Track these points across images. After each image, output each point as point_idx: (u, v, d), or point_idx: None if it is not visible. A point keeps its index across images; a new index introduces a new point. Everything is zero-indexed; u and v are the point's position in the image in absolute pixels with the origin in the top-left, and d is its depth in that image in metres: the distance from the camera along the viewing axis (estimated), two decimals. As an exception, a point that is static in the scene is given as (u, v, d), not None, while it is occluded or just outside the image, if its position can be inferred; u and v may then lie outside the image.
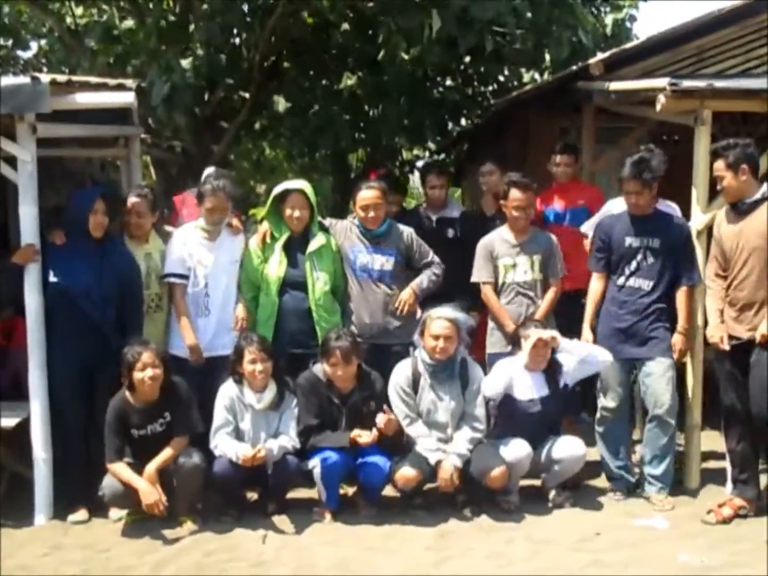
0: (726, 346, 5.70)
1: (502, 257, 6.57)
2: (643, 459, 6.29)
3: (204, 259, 6.41)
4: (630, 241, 6.15)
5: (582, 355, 6.08)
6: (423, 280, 6.55)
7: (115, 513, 5.89)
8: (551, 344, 6.08)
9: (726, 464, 6.14)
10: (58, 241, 5.95)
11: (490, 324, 6.69)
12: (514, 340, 6.28)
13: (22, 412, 5.96)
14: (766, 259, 5.57)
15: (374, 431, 5.88)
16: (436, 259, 6.63)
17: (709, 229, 6.12)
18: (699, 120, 6.04)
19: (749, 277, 5.64)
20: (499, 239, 6.62)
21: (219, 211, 6.39)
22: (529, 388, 6.11)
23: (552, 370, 6.15)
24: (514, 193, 6.49)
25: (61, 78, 6.18)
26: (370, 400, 6.03)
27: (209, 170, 6.85)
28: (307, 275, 6.36)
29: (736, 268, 5.71)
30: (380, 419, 5.87)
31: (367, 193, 6.48)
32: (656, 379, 6.08)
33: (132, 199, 6.38)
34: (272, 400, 5.99)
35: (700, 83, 6.00)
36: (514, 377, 6.08)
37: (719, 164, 5.70)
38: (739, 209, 5.69)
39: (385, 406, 5.97)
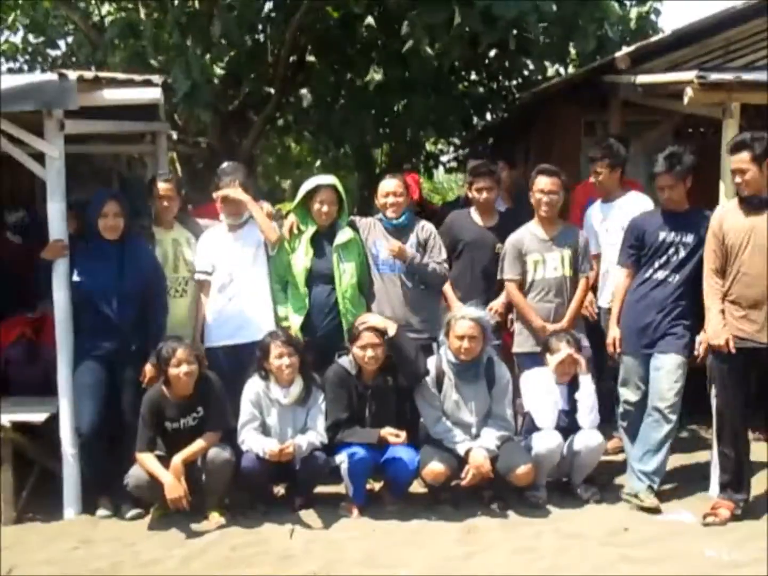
0: (733, 349, 5.59)
1: (531, 252, 6.52)
2: (632, 455, 6.18)
3: (228, 250, 6.47)
4: (664, 235, 6.08)
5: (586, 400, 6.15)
6: (424, 258, 6.52)
7: (130, 511, 5.91)
8: (578, 365, 6.12)
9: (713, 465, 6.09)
10: (70, 229, 6.00)
11: (517, 324, 6.66)
12: (543, 345, 6.27)
13: (51, 408, 6.01)
14: None
15: (404, 433, 5.89)
16: (446, 264, 6.60)
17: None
18: (727, 113, 6.00)
19: (760, 275, 5.53)
20: (528, 234, 6.57)
21: (234, 202, 6.43)
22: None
23: (574, 387, 6.17)
24: (541, 179, 6.46)
25: (89, 74, 6.20)
26: (393, 391, 6.06)
27: (224, 165, 6.88)
28: (334, 268, 6.39)
29: (743, 266, 5.57)
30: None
31: (389, 182, 6.57)
32: (665, 374, 6.00)
33: (160, 185, 6.48)
34: (299, 395, 6.00)
35: (728, 76, 5.95)
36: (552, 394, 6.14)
37: (743, 156, 5.54)
38: (753, 203, 5.59)
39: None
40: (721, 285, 5.68)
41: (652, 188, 6.40)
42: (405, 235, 6.53)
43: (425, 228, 6.61)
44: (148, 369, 5.93)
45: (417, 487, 6.18)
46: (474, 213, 6.89)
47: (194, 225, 6.77)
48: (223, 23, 9.12)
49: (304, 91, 11.12)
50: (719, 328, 5.62)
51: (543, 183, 6.46)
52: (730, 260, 5.63)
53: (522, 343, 6.59)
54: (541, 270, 6.51)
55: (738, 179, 5.61)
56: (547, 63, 11.22)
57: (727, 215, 5.70)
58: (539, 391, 6.12)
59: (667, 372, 6.00)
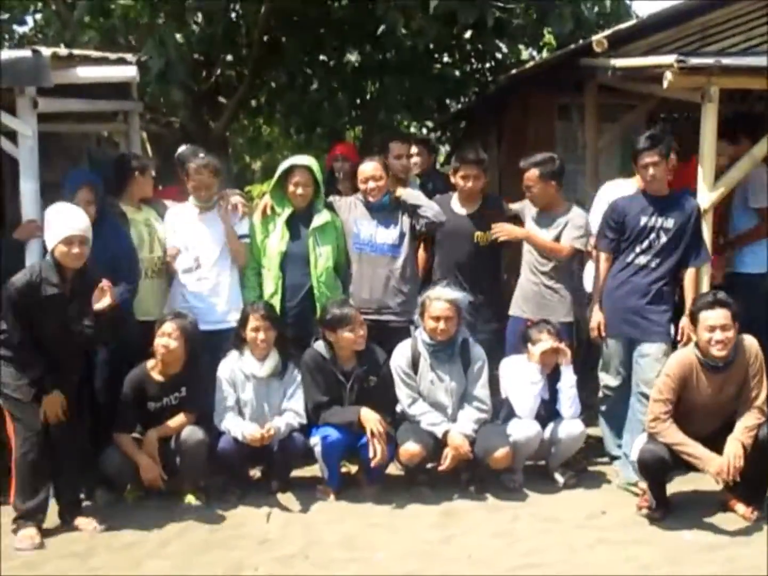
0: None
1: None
2: (624, 444, 6.17)
3: (195, 234, 6.40)
4: (645, 220, 6.09)
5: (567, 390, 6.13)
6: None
7: (101, 496, 5.85)
8: (561, 356, 6.12)
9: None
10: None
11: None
12: (524, 336, 6.25)
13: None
14: None
15: (382, 428, 5.81)
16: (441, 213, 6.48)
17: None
18: (706, 97, 6.00)
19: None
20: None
21: (205, 189, 6.35)
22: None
23: (553, 376, 6.17)
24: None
25: (63, 52, 6.14)
26: (372, 374, 6.03)
27: (182, 149, 6.79)
28: (310, 251, 6.34)
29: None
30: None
31: (368, 165, 6.48)
32: (651, 361, 6.02)
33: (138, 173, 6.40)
34: (274, 368, 6.01)
35: (708, 60, 5.94)
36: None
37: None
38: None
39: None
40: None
41: (628, 171, 6.40)
42: (387, 214, 6.48)
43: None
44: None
45: (394, 469, 6.17)
46: (455, 201, 6.73)
47: (161, 206, 6.67)
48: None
49: (278, 72, 11.01)
50: (712, 457, 5.32)
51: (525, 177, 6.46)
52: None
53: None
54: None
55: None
56: (521, 46, 11.23)
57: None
58: (522, 380, 6.11)
59: (652, 360, 6.01)
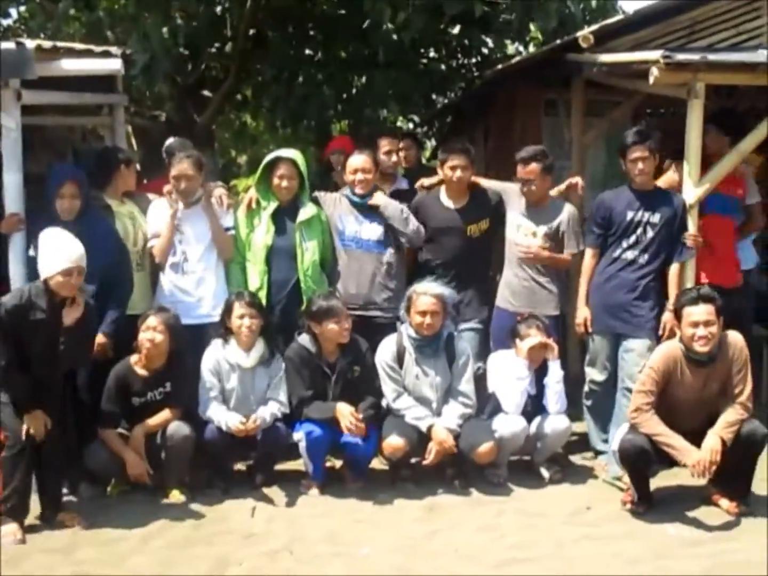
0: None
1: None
2: (610, 439, 6.11)
3: (180, 228, 6.34)
4: (632, 215, 6.12)
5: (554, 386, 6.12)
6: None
7: (88, 490, 5.82)
8: (549, 351, 6.11)
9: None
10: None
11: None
12: (512, 331, 6.23)
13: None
14: None
15: (361, 425, 5.81)
16: (422, 230, 6.50)
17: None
18: (692, 93, 6.01)
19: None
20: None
21: (186, 179, 6.28)
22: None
23: (543, 373, 6.15)
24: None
25: (47, 44, 6.10)
26: (355, 365, 6.03)
27: (170, 142, 6.75)
28: (296, 245, 6.31)
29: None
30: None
31: (357, 158, 6.46)
32: (636, 356, 6.04)
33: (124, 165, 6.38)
34: (260, 357, 5.99)
35: (694, 56, 5.96)
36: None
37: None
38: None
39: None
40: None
41: (614, 166, 6.40)
42: (373, 210, 6.45)
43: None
44: (99, 339, 5.74)
45: (378, 464, 6.16)
46: (443, 195, 6.64)
47: (143, 200, 6.63)
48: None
49: (264, 65, 10.98)
50: (693, 451, 5.31)
51: (521, 172, 6.40)
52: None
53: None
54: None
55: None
56: (507, 41, 11.22)
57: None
58: (509, 376, 6.10)
59: (638, 355, 6.04)
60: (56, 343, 5.17)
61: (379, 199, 6.45)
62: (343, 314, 5.94)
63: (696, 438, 5.33)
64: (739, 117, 6.86)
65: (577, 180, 6.64)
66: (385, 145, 7.13)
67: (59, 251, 5.17)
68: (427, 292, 5.98)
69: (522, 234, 6.47)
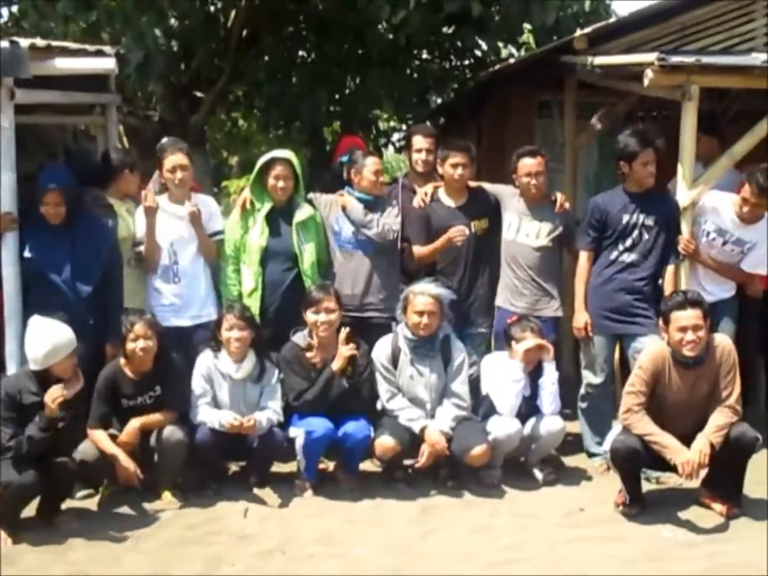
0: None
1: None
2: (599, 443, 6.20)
3: (170, 228, 6.33)
4: (627, 218, 6.13)
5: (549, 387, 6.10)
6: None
7: (80, 491, 5.78)
8: (544, 352, 6.09)
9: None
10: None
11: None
12: (507, 334, 6.21)
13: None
14: None
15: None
16: (396, 225, 6.46)
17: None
18: (686, 95, 6.02)
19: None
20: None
21: (181, 169, 6.27)
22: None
23: (537, 374, 6.13)
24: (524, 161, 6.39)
25: (41, 43, 6.09)
26: (351, 368, 6.01)
27: (163, 141, 6.76)
28: (295, 246, 6.30)
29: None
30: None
31: (373, 160, 6.51)
32: None
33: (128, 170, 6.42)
34: (251, 371, 5.97)
35: (689, 59, 5.98)
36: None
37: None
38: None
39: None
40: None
41: (606, 168, 6.41)
42: (369, 211, 6.44)
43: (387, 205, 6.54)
44: (109, 350, 5.81)
45: (372, 465, 6.17)
46: (443, 195, 6.58)
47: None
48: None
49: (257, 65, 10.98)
50: (682, 450, 5.29)
51: (529, 165, 6.37)
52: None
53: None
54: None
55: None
56: (500, 44, 11.21)
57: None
58: (504, 378, 6.08)
59: None
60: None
61: (346, 200, 6.46)
62: (322, 306, 5.92)
63: (686, 441, 5.33)
64: (717, 119, 6.89)
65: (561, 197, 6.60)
66: (418, 143, 6.76)
67: (43, 347, 5.14)
68: (425, 292, 5.98)
69: (523, 234, 6.45)
